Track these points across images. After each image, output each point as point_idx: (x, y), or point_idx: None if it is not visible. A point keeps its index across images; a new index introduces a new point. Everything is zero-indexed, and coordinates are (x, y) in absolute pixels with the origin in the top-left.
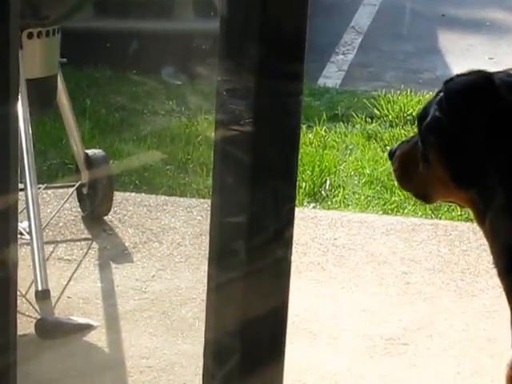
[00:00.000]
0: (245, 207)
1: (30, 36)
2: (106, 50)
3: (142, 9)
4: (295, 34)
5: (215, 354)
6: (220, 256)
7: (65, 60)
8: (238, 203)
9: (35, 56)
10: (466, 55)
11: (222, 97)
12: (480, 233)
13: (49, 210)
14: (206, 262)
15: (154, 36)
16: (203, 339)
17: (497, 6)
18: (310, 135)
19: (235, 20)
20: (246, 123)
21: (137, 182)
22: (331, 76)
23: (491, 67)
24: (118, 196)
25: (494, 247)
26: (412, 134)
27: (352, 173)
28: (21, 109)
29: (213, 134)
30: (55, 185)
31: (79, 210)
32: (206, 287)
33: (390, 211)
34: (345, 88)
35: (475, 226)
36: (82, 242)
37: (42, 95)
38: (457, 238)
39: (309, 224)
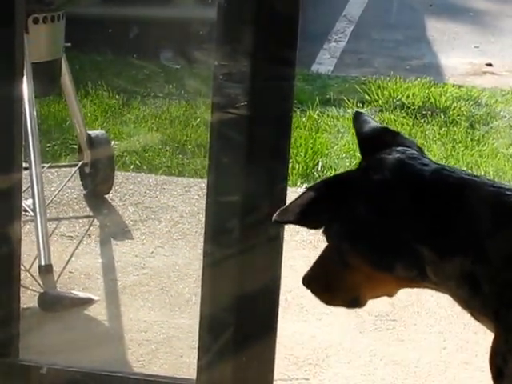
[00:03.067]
0: (239, 187)
1: (36, 21)
2: (107, 35)
3: None
4: (289, 21)
5: (210, 327)
6: (215, 234)
7: (69, 44)
8: (232, 183)
9: (40, 40)
10: (452, 43)
11: (219, 81)
12: None
13: (52, 189)
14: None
15: (153, 22)
16: (199, 313)
17: None
18: (304, 119)
19: (232, 7)
20: (241, 106)
21: (137, 162)
22: (324, 62)
23: (477, 55)
24: (119, 175)
25: (449, 289)
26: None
27: (343, 155)
28: (26, 91)
29: (209, 116)
30: (59, 164)
31: (81, 188)
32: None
33: None
34: (337, 74)
35: None
36: (84, 220)
37: (46, 78)
38: None
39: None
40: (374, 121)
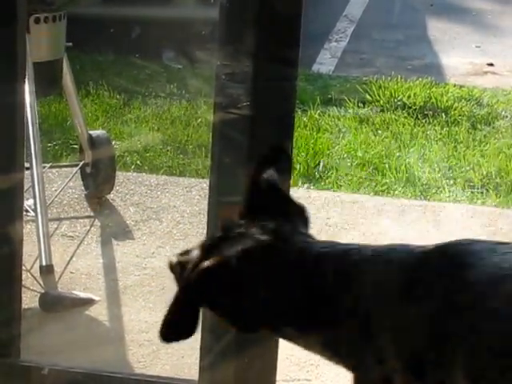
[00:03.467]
0: (241, 187)
1: (37, 21)
2: (109, 35)
3: None
4: (291, 21)
5: (212, 328)
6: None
7: (70, 44)
8: (234, 184)
9: (42, 40)
10: (453, 43)
11: (221, 81)
12: (467, 213)
13: (53, 189)
14: None
15: (155, 22)
16: (200, 314)
17: None
18: (305, 119)
19: (234, 7)
20: (243, 106)
21: (138, 162)
22: (325, 62)
23: (478, 55)
24: (120, 175)
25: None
26: None
27: (345, 155)
28: (27, 91)
29: (211, 116)
30: (60, 164)
31: (82, 188)
32: None
33: (380, 192)
34: (338, 74)
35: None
36: (85, 220)
37: (48, 78)
38: (444, 218)
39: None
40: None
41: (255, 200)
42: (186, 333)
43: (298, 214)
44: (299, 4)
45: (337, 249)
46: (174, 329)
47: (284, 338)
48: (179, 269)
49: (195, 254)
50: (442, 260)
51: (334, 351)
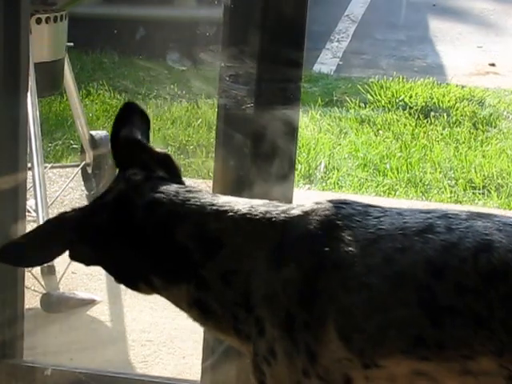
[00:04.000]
0: (245, 188)
1: (39, 21)
2: (112, 36)
3: None
4: (296, 22)
5: None
6: None
7: (71, 44)
8: (238, 185)
9: (43, 41)
10: (455, 43)
11: (225, 82)
12: None
13: (55, 189)
14: None
15: (159, 23)
16: None
17: None
18: (306, 119)
19: (238, 9)
20: (247, 108)
21: None
22: (326, 62)
23: (480, 55)
24: None
25: (184, 311)
26: None
27: (346, 156)
28: (29, 92)
29: (212, 117)
30: (61, 164)
31: (84, 188)
32: None
33: (382, 193)
34: (339, 74)
35: (464, 208)
36: None
37: (49, 78)
38: None
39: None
40: (139, 120)
41: (119, 156)
42: (23, 258)
43: (163, 162)
44: (304, 5)
45: (194, 203)
46: (17, 250)
47: (158, 292)
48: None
49: None
50: (316, 221)
51: (205, 313)
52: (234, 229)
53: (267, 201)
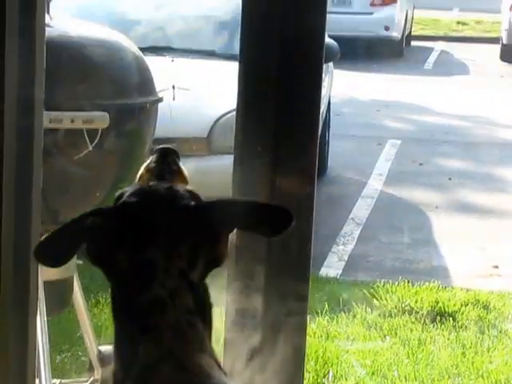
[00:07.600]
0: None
1: None
2: None
3: None
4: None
5: None
6: None
7: (81, 262)
8: None
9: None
10: (458, 246)
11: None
12: None
13: None
14: None
15: None
16: None
17: (499, 191)
18: (313, 325)
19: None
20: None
21: None
22: (332, 266)
23: (483, 257)
24: None
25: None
26: None
27: (354, 363)
28: (39, 311)
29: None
30: (69, 380)
31: None
32: None
33: None
34: (345, 278)
35: None
36: None
37: (58, 296)
38: None
39: None
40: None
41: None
42: (57, 258)
43: None
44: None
45: None
46: (48, 249)
47: None
48: None
49: None
50: None
51: None
52: None
53: None
